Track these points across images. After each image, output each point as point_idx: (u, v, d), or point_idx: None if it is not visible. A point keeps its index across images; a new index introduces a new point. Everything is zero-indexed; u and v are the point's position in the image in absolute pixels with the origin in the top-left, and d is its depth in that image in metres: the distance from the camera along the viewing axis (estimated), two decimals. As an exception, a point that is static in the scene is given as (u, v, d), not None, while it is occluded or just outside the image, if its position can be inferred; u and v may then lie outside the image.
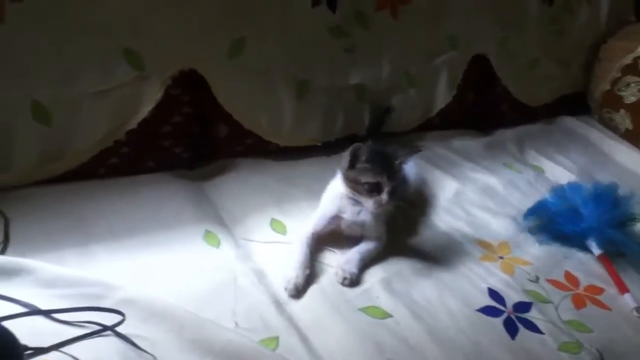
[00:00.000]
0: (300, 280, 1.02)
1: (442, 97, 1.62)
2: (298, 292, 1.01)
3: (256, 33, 1.30)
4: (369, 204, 1.07)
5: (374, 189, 1.06)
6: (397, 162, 1.09)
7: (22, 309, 0.86)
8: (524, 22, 1.72)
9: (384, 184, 1.06)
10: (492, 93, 1.72)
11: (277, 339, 0.91)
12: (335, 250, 1.13)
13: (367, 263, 1.10)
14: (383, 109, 1.51)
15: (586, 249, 1.22)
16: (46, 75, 1.13)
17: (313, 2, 1.36)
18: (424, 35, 1.55)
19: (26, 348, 0.75)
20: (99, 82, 1.17)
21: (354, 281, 1.05)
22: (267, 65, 1.34)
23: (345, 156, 1.08)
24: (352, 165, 1.07)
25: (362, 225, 1.12)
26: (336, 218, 1.12)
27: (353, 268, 1.06)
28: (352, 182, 1.08)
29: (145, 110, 1.21)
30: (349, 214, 1.11)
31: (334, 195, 1.13)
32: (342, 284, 1.04)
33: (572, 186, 1.30)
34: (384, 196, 1.05)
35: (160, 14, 1.19)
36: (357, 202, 1.10)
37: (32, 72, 1.11)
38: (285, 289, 1.01)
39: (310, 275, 1.04)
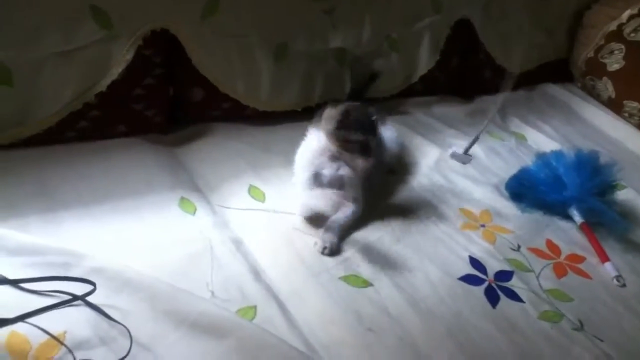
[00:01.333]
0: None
1: (425, 62, 1.58)
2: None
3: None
4: (357, 161, 1.07)
5: (361, 146, 1.06)
6: (374, 119, 1.09)
7: (-15, 279, 0.82)
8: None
9: (370, 141, 1.06)
10: (475, 59, 1.68)
11: (254, 308, 0.89)
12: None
13: (346, 231, 1.08)
14: (368, 75, 1.47)
15: (568, 218, 1.21)
16: (7, 35, 1.06)
17: (293, -41, 1.30)
18: (406, -2, 1.50)
19: (-11, 320, 0.71)
20: (64, 42, 1.10)
21: (334, 250, 1.03)
22: (243, 27, 1.29)
23: (333, 116, 1.06)
24: (341, 124, 1.05)
25: (341, 180, 1.09)
26: (317, 176, 1.09)
27: (333, 237, 1.04)
28: (340, 141, 1.06)
29: (115, 71, 1.16)
30: (329, 169, 1.09)
31: (311, 154, 1.10)
32: (322, 253, 1.02)
33: (555, 154, 1.28)
34: (367, 159, 1.06)
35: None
36: (335, 158, 1.09)
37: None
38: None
39: None
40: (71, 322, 0.79)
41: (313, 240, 1.04)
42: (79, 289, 0.82)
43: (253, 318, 0.87)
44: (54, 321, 0.78)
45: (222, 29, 1.25)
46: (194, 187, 1.13)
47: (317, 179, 1.09)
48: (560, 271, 1.08)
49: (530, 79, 1.81)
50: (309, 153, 1.11)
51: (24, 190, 1.02)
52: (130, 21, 1.14)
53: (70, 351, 0.75)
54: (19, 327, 0.77)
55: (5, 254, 0.87)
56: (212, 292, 0.90)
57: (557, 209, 1.21)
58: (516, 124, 1.60)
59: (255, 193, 1.15)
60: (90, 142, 1.19)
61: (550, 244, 1.15)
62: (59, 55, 1.10)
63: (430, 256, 1.05)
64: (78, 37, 1.11)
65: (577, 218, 1.19)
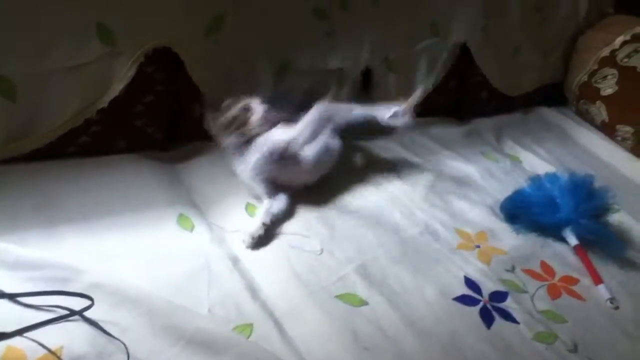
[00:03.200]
0: None
1: (422, 84, 1.60)
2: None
3: (235, 11, 1.26)
4: (253, 121, 1.16)
5: (247, 111, 1.16)
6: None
7: (-17, 292, 0.82)
8: (507, 9, 1.70)
9: (252, 102, 1.17)
10: (472, 81, 1.70)
11: (251, 326, 0.89)
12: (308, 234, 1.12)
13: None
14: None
15: (562, 240, 1.22)
16: (14, 49, 1.06)
17: (295, -20, 1.33)
18: (405, 20, 1.53)
19: (-15, 334, 0.71)
20: (69, 58, 1.11)
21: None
22: (246, 45, 1.30)
23: (210, 115, 1.17)
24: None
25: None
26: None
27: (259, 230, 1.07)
28: (229, 125, 1.15)
29: (117, 88, 1.16)
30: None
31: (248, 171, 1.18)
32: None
33: (549, 176, 1.30)
34: (259, 106, 1.17)
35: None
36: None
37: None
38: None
39: None
40: (68, 337, 0.79)
41: (310, 258, 1.05)
42: (77, 304, 0.82)
43: (249, 336, 0.87)
44: (51, 336, 0.78)
45: (226, 46, 1.26)
46: (192, 204, 1.14)
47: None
48: (554, 293, 1.09)
49: (525, 102, 1.85)
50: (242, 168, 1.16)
51: (24, 204, 1.03)
52: (133, 38, 1.15)
53: (67, 366, 0.75)
54: (16, 341, 0.76)
55: (4, 268, 0.87)
56: (209, 309, 0.90)
57: (552, 230, 1.22)
58: (511, 146, 1.62)
59: (252, 211, 1.16)
60: (91, 157, 1.19)
61: (544, 265, 1.16)
62: (63, 71, 1.11)
63: (426, 276, 1.06)
64: (82, 54, 1.11)
65: (572, 240, 1.20)
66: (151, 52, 1.19)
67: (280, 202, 1.16)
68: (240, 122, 1.15)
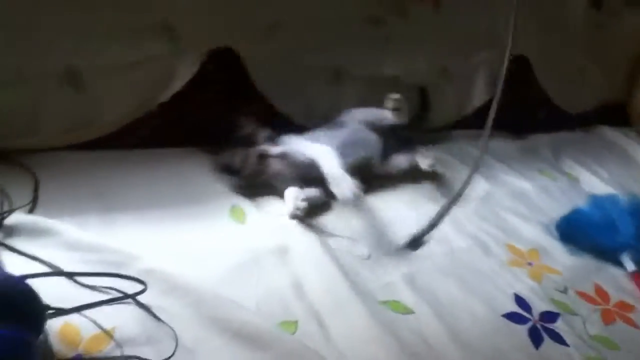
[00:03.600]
0: None
1: (479, 95, 1.58)
2: None
3: (293, 16, 1.29)
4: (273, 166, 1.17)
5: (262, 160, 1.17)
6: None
7: (46, 269, 0.85)
8: (569, 26, 1.67)
9: (260, 150, 1.18)
10: (530, 96, 1.67)
11: (296, 323, 0.89)
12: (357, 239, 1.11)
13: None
14: (418, 93, 1.49)
15: (619, 264, 1.18)
16: (83, 43, 1.11)
17: (355, -13, 1.34)
18: (464, 30, 1.51)
19: (48, 307, 0.74)
20: (134, 53, 1.15)
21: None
22: (302, 50, 1.32)
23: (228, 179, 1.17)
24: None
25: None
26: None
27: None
28: (253, 177, 1.16)
29: (178, 84, 1.20)
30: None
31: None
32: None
33: (610, 198, 1.26)
34: (273, 151, 1.18)
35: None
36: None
37: (69, 38, 1.09)
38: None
39: None
40: (120, 318, 0.81)
41: (359, 261, 1.05)
42: (130, 288, 0.85)
43: (294, 332, 0.88)
44: (104, 316, 0.81)
45: (283, 50, 1.28)
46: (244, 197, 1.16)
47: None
48: (608, 318, 1.05)
49: (586, 120, 1.80)
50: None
51: (85, 190, 1.06)
52: (196, 38, 1.19)
53: (119, 346, 0.77)
54: (72, 318, 0.79)
55: (64, 249, 0.91)
56: (257, 303, 0.91)
57: (608, 254, 1.18)
58: (569, 165, 1.58)
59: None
60: (149, 149, 1.23)
61: (598, 289, 1.12)
62: (128, 65, 1.15)
63: (474, 289, 1.04)
64: (147, 49, 1.16)
65: (629, 265, 1.16)
66: (213, 52, 1.22)
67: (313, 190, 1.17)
68: (261, 170, 1.17)
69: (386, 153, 1.31)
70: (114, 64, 1.14)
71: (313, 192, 1.16)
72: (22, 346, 0.66)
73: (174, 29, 1.17)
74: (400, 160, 1.32)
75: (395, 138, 1.34)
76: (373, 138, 1.29)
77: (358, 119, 1.30)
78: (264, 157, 1.17)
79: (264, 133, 1.21)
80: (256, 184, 1.16)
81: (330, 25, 1.33)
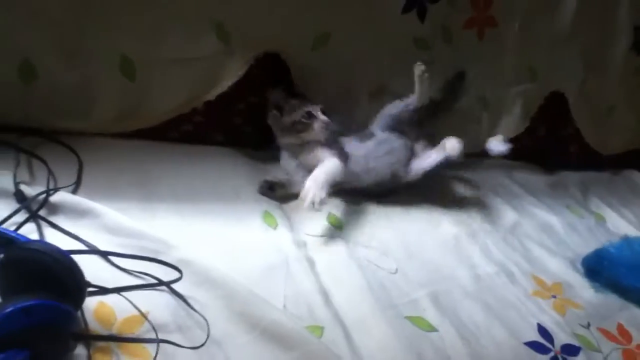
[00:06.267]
0: None
1: (514, 126, 1.59)
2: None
3: (343, 30, 1.31)
4: (314, 130, 1.20)
5: (310, 118, 1.20)
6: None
7: (85, 249, 0.88)
8: (608, 67, 1.68)
9: (313, 109, 1.20)
10: (564, 132, 1.68)
11: (322, 328, 0.90)
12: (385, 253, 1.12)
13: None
14: (455, 75, 1.48)
15: (643, 306, 1.17)
16: (137, 35, 1.14)
17: (404, 8, 1.36)
18: (505, 62, 1.54)
19: (89, 284, 0.76)
20: (186, 50, 1.18)
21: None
22: (347, 63, 1.35)
23: (271, 113, 1.23)
24: (280, 114, 1.21)
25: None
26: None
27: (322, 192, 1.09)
28: (291, 126, 1.21)
29: (225, 84, 1.23)
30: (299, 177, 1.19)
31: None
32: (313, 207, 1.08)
33: (639, 240, 1.26)
34: (322, 116, 1.19)
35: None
36: (299, 165, 1.22)
37: (124, 30, 1.13)
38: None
39: None
40: (154, 304, 0.83)
41: (383, 275, 1.06)
42: (164, 275, 0.87)
43: (320, 337, 0.88)
44: (138, 300, 0.83)
45: (329, 61, 1.31)
46: (277, 204, 1.18)
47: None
48: (629, 358, 1.05)
49: (615, 162, 1.80)
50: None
51: (127, 177, 1.09)
52: (247, 41, 1.22)
53: (154, 329, 0.78)
54: (107, 298, 0.81)
55: (104, 231, 0.93)
56: (284, 305, 0.92)
57: (634, 294, 1.18)
58: (597, 204, 1.58)
59: (333, 220, 1.18)
60: (190, 145, 1.26)
61: (621, 328, 1.12)
62: (180, 61, 1.18)
63: (498, 315, 1.04)
64: (199, 48, 1.19)
65: (654, 308, 1.15)
66: (262, 56, 1.25)
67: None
68: (301, 127, 1.20)
69: (412, 153, 1.33)
70: (168, 58, 1.17)
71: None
72: (64, 317, 0.68)
73: (228, 30, 1.20)
74: (427, 161, 1.30)
75: (418, 123, 1.36)
76: (397, 146, 1.30)
77: (387, 114, 1.33)
78: (311, 116, 1.21)
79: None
80: (290, 137, 1.22)
81: (378, 42, 1.35)
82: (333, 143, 1.23)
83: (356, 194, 1.26)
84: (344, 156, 1.20)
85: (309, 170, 1.15)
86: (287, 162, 1.25)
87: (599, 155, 1.75)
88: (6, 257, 0.70)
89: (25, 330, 0.64)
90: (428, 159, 1.29)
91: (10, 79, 1.07)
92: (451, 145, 1.25)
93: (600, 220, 1.51)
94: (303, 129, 1.21)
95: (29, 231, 0.89)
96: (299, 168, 1.23)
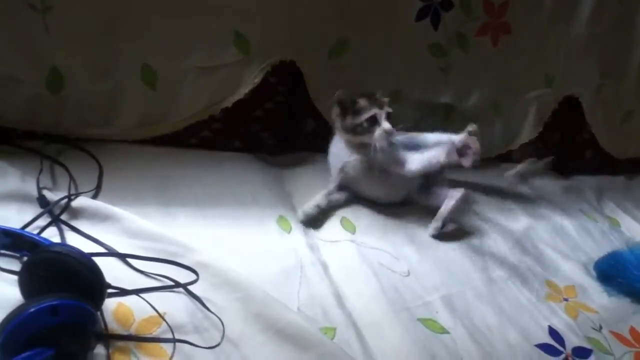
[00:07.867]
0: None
1: (527, 132, 1.60)
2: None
3: (359, 38, 1.33)
4: (375, 137, 1.16)
5: (374, 122, 1.16)
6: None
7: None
8: (624, 72, 1.68)
9: (379, 114, 1.16)
10: (578, 137, 1.68)
11: (334, 330, 0.92)
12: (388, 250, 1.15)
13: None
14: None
15: (657, 310, 1.17)
16: (160, 45, 1.18)
17: (417, 16, 1.38)
18: (519, 67, 1.54)
19: (109, 286, 0.79)
20: (207, 59, 1.22)
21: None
22: (362, 70, 1.37)
23: (335, 110, 1.20)
24: (344, 113, 1.18)
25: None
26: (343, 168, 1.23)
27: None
28: (352, 128, 1.18)
29: (242, 91, 1.25)
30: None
31: (338, 158, 1.24)
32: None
33: (653, 245, 1.27)
34: (385, 124, 1.16)
35: (270, 3, 1.23)
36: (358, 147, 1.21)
37: (147, 40, 1.17)
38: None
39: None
40: (171, 305, 0.86)
41: (396, 278, 1.08)
42: (182, 278, 0.90)
43: (332, 338, 0.91)
44: (155, 302, 0.84)
45: (344, 69, 1.34)
46: (292, 208, 1.20)
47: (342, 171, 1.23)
48: (641, 362, 1.06)
49: (630, 167, 1.79)
50: (338, 158, 1.24)
51: (148, 182, 1.13)
52: (265, 49, 1.25)
53: (171, 329, 0.81)
54: (126, 300, 0.84)
55: (125, 235, 0.97)
56: (299, 307, 0.95)
57: (647, 298, 1.18)
58: (612, 209, 1.58)
59: (346, 224, 1.20)
60: (208, 150, 1.29)
61: (634, 331, 1.12)
62: (200, 70, 1.22)
63: (510, 318, 1.06)
64: (219, 57, 1.22)
65: (667, 312, 1.15)
66: (278, 64, 1.28)
67: (341, 195, 1.24)
68: (362, 131, 1.18)
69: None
70: (189, 67, 1.21)
71: (337, 196, 1.24)
72: (87, 317, 0.71)
73: (246, 39, 1.23)
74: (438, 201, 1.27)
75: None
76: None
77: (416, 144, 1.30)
78: (375, 122, 1.17)
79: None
80: (350, 136, 1.21)
81: (392, 50, 1.37)
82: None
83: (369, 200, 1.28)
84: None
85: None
86: (338, 148, 1.25)
87: (614, 159, 1.75)
88: (31, 259, 0.74)
89: (51, 329, 0.66)
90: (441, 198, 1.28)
91: (40, 89, 1.12)
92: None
93: (615, 225, 1.50)
94: (363, 132, 1.19)
95: (51, 235, 0.93)
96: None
